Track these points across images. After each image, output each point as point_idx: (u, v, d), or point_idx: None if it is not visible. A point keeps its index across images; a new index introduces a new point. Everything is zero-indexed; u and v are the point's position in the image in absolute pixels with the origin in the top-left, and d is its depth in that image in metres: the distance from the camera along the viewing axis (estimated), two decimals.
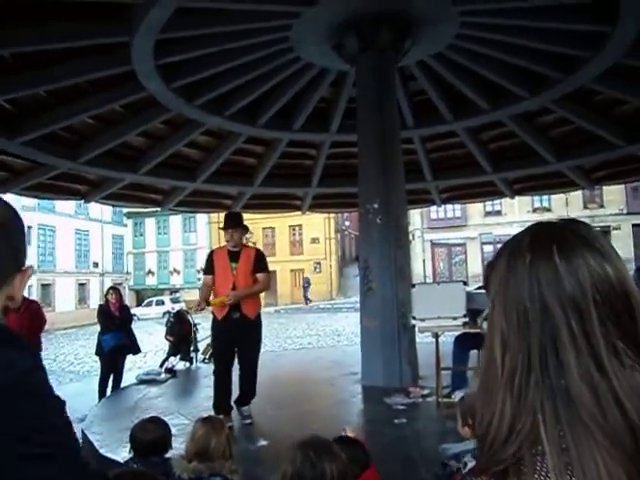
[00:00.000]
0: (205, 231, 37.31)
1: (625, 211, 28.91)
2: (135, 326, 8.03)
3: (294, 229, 36.23)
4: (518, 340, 0.64)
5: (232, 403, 4.72)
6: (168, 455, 2.74)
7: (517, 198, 10.48)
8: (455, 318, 4.54)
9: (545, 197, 27.78)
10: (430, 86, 6.86)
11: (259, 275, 4.75)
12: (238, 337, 4.63)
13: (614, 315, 0.62)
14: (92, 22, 4.65)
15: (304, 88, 6.93)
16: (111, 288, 7.60)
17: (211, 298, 4.69)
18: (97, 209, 33.27)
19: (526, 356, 0.63)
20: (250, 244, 5.61)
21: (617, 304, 0.62)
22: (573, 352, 0.61)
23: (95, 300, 29.24)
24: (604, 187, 19.45)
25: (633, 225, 27.77)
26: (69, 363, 13.53)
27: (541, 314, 0.63)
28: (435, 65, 6.38)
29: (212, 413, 4.01)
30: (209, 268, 4.83)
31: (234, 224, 4.77)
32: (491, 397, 0.65)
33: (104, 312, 7.17)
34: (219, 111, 6.74)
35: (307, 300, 31.49)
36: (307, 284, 32.74)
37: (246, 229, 4.93)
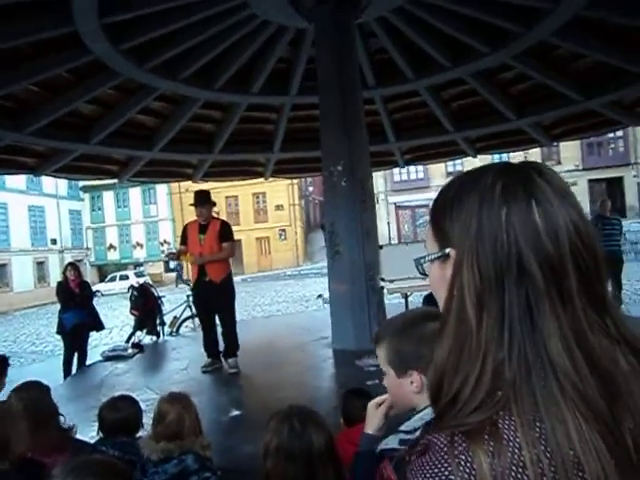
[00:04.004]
0: (166, 202, 36.53)
1: (581, 167, 29.75)
2: (99, 302, 7.84)
3: (257, 197, 35.88)
4: (495, 300, 0.59)
5: (221, 356, 5.52)
6: (139, 434, 2.64)
7: (478, 157, 10.51)
8: (424, 277, 4.53)
9: (505, 155, 28.24)
10: (391, 43, 6.69)
11: (223, 244, 5.46)
12: (209, 299, 5.44)
13: (586, 276, 0.58)
14: None
15: (261, 48, 6.64)
16: (69, 264, 7.35)
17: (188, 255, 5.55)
18: (51, 184, 32.07)
19: (501, 319, 0.58)
20: (214, 214, 5.76)
21: (589, 264, 0.59)
22: (553, 317, 0.57)
23: (55, 278, 28.43)
24: (561, 144, 19.87)
25: (589, 180, 28.62)
26: (31, 343, 13.17)
27: (518, 276, 0.58)
28: (395, 21, 6.20)
29: (181, 387, 3.93)
30: (183, 239, 5.70)
31: (202, 202, 5.47)
32: (462, 361, 0.60)
33: (63, 289, 6.95)
34: (172, 75, 6.42)
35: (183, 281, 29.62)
36: (179, 267, 31.13)
37: (213, 204, 5.68)
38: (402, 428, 1.28)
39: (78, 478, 1.38)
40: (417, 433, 1.17)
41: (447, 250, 0.65)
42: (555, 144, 11.53)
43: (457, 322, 0.62)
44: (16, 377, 3.87)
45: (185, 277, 24.68)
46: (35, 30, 4.87)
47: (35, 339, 13.88)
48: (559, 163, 29.97)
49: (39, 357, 10.82)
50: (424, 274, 0.74)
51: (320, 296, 11.52)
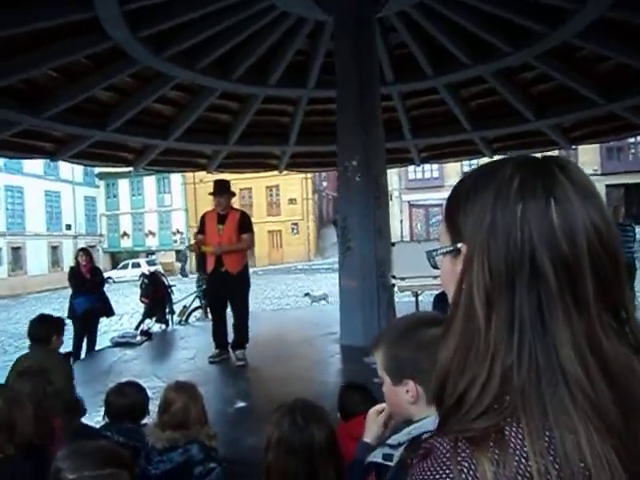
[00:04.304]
0: (180, 192, 36.68)
1: (599, 172, 29.26)
2: (111, 289, 7.89)
3: (271, 190, 35.87)
4: (505, 300, 0.55)
5: (229, 347, 5.50)
6: (144, 421, 2.64)
7: (495, 158, 10.40)
8: (436, 277, 4.49)
9: None
10: (411, 39, 6.62)
11: (243, 235, 5.45)
12: (224, 289, 5.42)
13: (604, 282, 0.55)
14: None
15: (280, 40, 6.61)
16: (81, 250, 7.41)
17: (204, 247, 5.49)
18: (67, 170, 32.34)
19: (511, 320, 0.55)
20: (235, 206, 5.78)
21: (608, 269, 0.55)
22: (567, 323, 0.54)
23: (69, 263, 28.64)
24: (580, 148, 19.55)
25: (607, 186, 28.15)
26: None
27: (531, 276, 0.55)
28: (417, 16, 6.12)
29: (188, 376, 3.94)
30: (201, 228, 5.63)
31: (221, 191, 5.43)
32: (468, 361, 0.57)
33: (75, 274, 7.00)
34: (190, 64, 6.40)
35: (183, 274, 29.20)
36: (184, 258, 30.86)
37: (233, 194, 5.64)
38: (389, 441, 1.22)
39: (79, 462, 1.37)
40: (401, 449, 1.14)
41: (459, 245, 0.62)
42: (574, 147, 11.33)
43: (465, 319, 0.58)
44: None
45: (189, 270, 24.46)
46: (55, 14, 4.87)
47: None
48: None
49: None
50: (436, 267, 0.71)
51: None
